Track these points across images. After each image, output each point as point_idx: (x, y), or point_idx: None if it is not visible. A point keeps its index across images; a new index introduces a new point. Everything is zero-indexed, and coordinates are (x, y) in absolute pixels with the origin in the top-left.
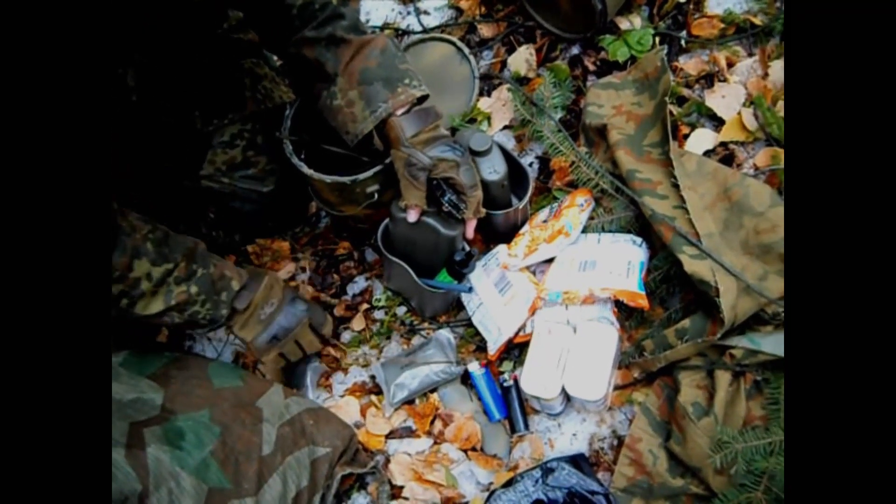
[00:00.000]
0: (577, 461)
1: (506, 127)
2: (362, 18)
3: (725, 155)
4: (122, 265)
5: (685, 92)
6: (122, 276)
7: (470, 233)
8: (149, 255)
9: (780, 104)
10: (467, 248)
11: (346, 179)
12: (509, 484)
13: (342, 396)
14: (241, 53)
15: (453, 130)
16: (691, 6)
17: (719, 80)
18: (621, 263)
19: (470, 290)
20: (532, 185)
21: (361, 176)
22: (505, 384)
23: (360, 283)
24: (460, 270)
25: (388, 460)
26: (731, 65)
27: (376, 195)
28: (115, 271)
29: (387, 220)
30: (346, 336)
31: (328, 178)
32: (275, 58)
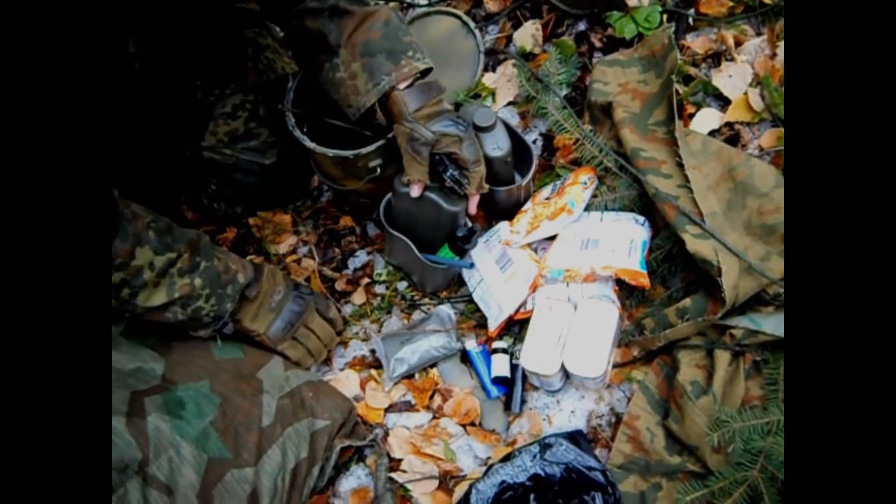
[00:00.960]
0: (574, 437)
1: (510, 103)
2: None
3: (731, 135)
4: (123, 252)
5: (692, 71)
6: (124, 264)
7: (473, 208)
8: (151, 244)
9: None
10: (469, 224)
11: (348, 153)
12: (507, 459)
13: (342, 370)
14: (244, 23)
15: (457, 105)
16: None
17: (726, 60)
18: (623, 242)
19: (471, 265)
20: (535, 161)
21: (364, 150)
22: (514, 361)
23: (361, 258)
24: (462, 246)
25: (386, 434)
26: (738, 44)
27: (378, 170)
28: (117, 258)
29: (389, 195)
30: (346, 310)
31: (330, 152)
32: (277, 28)
